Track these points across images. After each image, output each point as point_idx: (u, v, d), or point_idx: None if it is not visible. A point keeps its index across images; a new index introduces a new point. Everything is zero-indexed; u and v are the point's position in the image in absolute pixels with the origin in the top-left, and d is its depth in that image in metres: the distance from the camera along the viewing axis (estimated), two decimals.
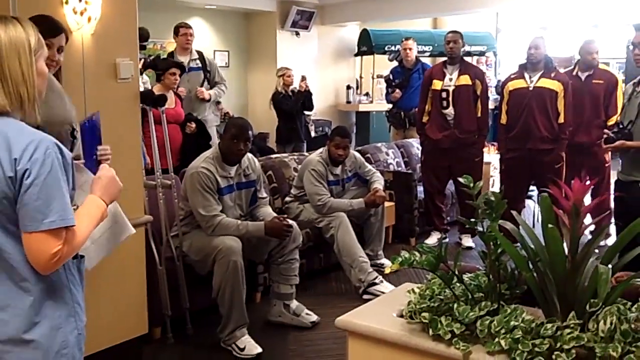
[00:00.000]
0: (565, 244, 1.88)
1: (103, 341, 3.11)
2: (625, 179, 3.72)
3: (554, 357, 1.71)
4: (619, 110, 4.74)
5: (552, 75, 5.22)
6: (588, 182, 1.92)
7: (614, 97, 5.36)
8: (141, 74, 4.93)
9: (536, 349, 1.73)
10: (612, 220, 3.99)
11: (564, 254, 1.86)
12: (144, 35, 5.40)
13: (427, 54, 9.93)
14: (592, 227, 3.12)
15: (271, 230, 3.83)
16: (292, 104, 7.54)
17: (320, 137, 8.14)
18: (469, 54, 9.58)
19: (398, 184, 5.81)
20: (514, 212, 2.10)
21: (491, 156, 6.86)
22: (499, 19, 11.65)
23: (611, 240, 4.82)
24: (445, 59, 5.77)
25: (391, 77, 7.26)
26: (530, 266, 1.94)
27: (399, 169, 6.39)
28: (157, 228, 3.71)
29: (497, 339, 1.80)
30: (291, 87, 7.60)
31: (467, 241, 5.75)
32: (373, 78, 10.11)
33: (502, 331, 1.81)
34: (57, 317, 1.67)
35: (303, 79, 7.71)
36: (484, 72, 6.21)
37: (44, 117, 1.71)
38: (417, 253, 2.02)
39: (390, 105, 7.43)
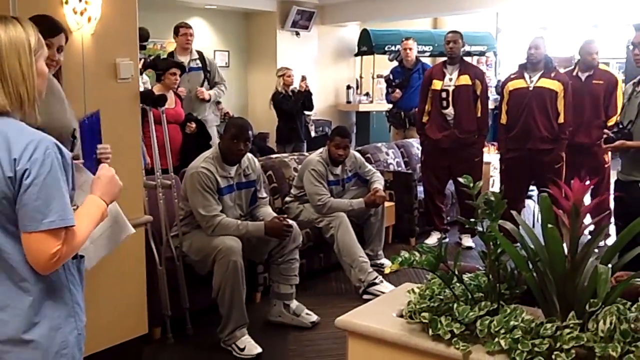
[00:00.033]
0: (565, 244, 1.88)
1: (103, 341, 3.11)
2: (625, 178, 3.72)
3: (553, 357, 1.71)
4: (619, 111, 4.74)
5: (552, 75, 5.22)
6: (588, 182, 1.93)
7: (614, 97, 5.35)
8: (141, 74, 4.93)
9: (536, 348, 1.73)
10: (612, 220, 4.00)
11: (564, 254, 1.87)
12: (144, 35, 5.40)
13: (427, 54, 9.93)
14: (592, 227, 3.12)
15: (271, 230, 3.83)
16: (292, 104, 7.54)
17: (320, 137, 8.15)
18: (469, 54, 9.58)
19: (398, 184, 5.81)
20: (513, 212, 2.10)
21: (491, 156, 6.86)
22: (499, 19, 11.66)
23: (611, 241, 4.82)
24: (445, 59, 5.77)
25: (391, 77, 7.26)
26: (530, 266, 1.94)
27: (399, 169, 6.39)
28: (157, 228, 3.71)
29: (496, 339, 1.80)
30: (291, 87, 7.60)
31: (467, 241, 5.75)
32: (373, 78, 10.11)
33: (502, 331, 1.81)
34: (56, 317, 1.67)
35: (303, 79, 7.72)
36: (484, 72, 6.21)
37: (44, 122, 1.71)
38: (417, 253, 2.02)
39: (390, 105, 7.43)
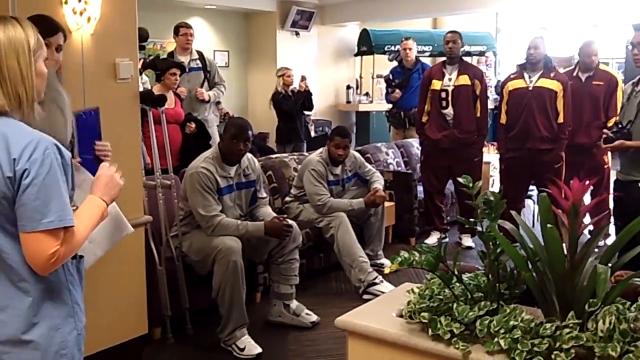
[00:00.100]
0: (564, 244, 1.88)
1: (103, 341, 3.11)
2: (625, 178, 3.71)
3: (553, 356, 1.72)
4: (619, 111, 4.74)
5: (552, 75, 5.22)
6: (587, 182, 1.93)
7: (614, 98, 5.35)
8: (140, 74, 4.93)
9: (535, 348, 1.73)
10: (612, 220, 3.99)
11: (563, 254, 1.87)
12: (143, 36, 5.39)
13: (427, 54, 9.94)
14: (592, 227, 3.12)
15: (271, 230, 3.83)
16: (292, 104, 7.54)
17: (320, 137, 8.14)
18: (468, 54, 9.59)
19: (398, 184, 5.81)
20: (513, 212, 2.10)
21: (491, 156, 6.87)
22: (498, 19, 11.66)
23: (611, 240, 4.82)
24: (444, 59, 5.77)
25: (391, 77, 7.26)
26: (530, 266, 1.94)
27: (399, 169, 6.39)
28: (156, 228, 3.71)
29: (496, 339, 1.80)
30: (291, 87, 7.60)
31: (467, 241, 5.75)
32: (373, 78, 10.12)
33: (502, 331, 1.81)
34: (56, 317, 1.67)
35: (303, 79, 7.72)
36: (483, 72, 6.21)
37: (45, 131, 1.69)
38: (416, 253, 2.02)
39: (390, 105, 7.43)
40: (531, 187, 5.71)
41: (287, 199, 4.96)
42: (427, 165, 5.85)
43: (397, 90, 7.07)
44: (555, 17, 10.45)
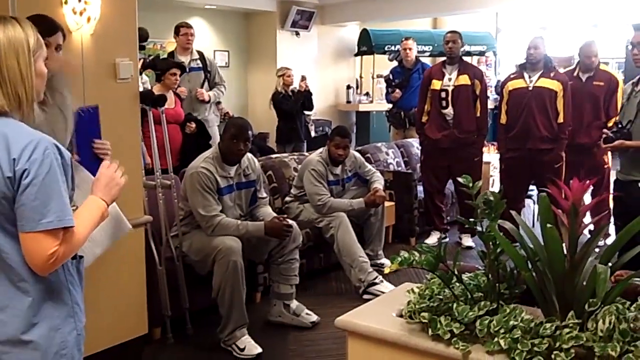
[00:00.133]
0: (564, 244, 1.88)
1: (103, 341, 3.11)
2: (625, 178, 3.71)
3: (553, 356, 1.72)
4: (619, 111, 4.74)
5: (552, 75, 5.22)
6: (587, 182, 1.93)
7: (615, 98, 5.34)
8: (140, 74, 4.93)
9: (535, 348, 1.73)
10: (612, 220, 3.99)
11: (563, 254, 1.87)
12: (143, 36, 5.39)
13: (427, 54, 9.94)
14: (592, 227, 3.12)
15: (271, 230, 3.83)
16: (292, 104, 7.54)
17: (320, 137, 8.14)
18: (468, 53, 9.59)
19: (398, 183, 5.81)
20: (513, 212, 2.10)
21: (491, 156, 6.87)
22: (498, 19, 11.66)
23: (611, 240, 4.82)
24: (444, 58, 5.77)
25: (391, 77, 7.26)
26: (530, 266, 1.94)
27: (399, 168, 6.39)
28: (157, 228, 3.71)
29: (496, 339, 1.80)
30: (291, 87, 7.61)
31: (467, 241, 5.75)
32: (373, 78, 10.11)
33: (502, 331, 1.81)
34: (56, 317, 1.67)
35: (303, 78, 7.72)
36: (483, 72, 6.21)
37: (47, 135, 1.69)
38: (416, 253, 2.02)
39: (390, 105, 7.43)
40: (531, 187, 5.71)
41: (287, 199, 4.96)
42: (427, 165, 5.85)
43: (397, 90, 7.07)
44: (555, 17, 10.45)
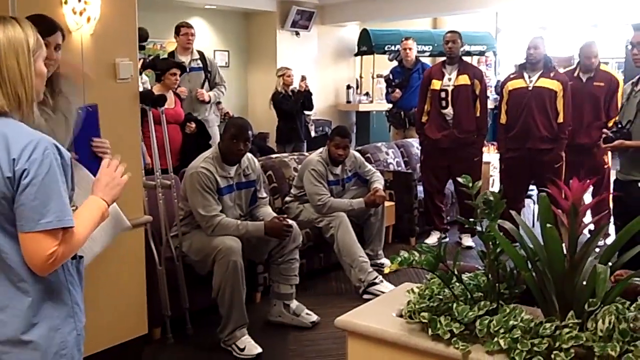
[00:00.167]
0: (564, 244, 1.88)
1: (103, 341, 3.11)
2: (624, 178, 3.71)
3: (552, 356, 1.71)
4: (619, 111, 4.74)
5: (552, 75, 5.22)
6: (587, 182, 1.93)
7: (615, 99, 5.34)
8: (140, 74, 4.93)
9: (535, 348, 1.73)
10: (612, 220, 3.99)
11: (563, 254, 1.87)
12: (143, 36, 5.38)
13: (427, 53, 9.94)
14: (592, 227, 3.12)
15: (271, 230, 3.83)
16: (292, 104, 7.54)
17: (320, 137, 8.15)
18: (468, 53, 9.58)
19: (398, 183, 5.81)
20: (512, 212, 2.10)
21: (491, 156, 6.87)
22: (498, 19, 11.66)
23: (610, 240, 4.82)
24: (444, 58, 5.77)
25: (391, 77, 7.26)
26: (529, 266, 1.94)
27: (399, 168, 6.40)
28: (156, 228, 3.71)
29: (496, 339, 1.80)
30: (291, 87, 7.61)
31: (467, 241, 5.75)
32: (373, 78, 10.12)
33: (501, 331, 1.81)
34: (55, 317, 1.67)
35: (303, 78, 7.72)
36: (483, 72, 6.21)
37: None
38: (416, 253, 2.02)
39: (390, 105, 7.43)
40: (531, 187, 5.71)
41: (287, 199, 4.96)
42: (427, 165, 5.86)
43: (397, 90, 7.07)
44: (555, 17, 10.45)
